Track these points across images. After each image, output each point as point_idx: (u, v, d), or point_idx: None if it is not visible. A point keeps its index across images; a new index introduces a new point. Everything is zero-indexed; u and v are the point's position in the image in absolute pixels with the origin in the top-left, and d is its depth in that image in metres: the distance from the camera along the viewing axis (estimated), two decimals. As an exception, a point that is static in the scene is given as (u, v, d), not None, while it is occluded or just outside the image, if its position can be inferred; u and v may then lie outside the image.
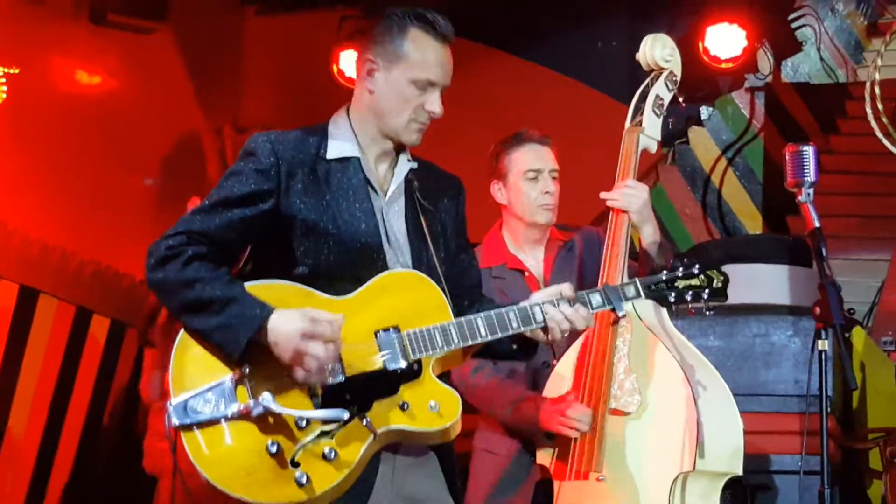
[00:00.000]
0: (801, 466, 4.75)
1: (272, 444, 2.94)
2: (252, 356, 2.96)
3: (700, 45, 6.42)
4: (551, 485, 3.94)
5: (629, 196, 3.98)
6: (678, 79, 4.11)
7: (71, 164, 6.20)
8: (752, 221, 6.78)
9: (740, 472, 3.86)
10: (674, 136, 6.59)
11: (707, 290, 3.43)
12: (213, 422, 2.95)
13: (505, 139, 4.30)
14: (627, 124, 4.08)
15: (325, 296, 3.08)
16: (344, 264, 3.12)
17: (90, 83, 6.60)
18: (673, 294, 3.41)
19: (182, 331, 3.03)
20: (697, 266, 3.43)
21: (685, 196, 6.85)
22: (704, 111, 6.78)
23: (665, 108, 4.06)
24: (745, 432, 3.86)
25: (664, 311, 3.96)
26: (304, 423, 2.96)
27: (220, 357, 2.98)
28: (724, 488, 3.86)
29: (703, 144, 6.85)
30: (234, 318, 2.94)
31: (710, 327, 5.19)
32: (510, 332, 3.17)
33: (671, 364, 3.83)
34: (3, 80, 5.64)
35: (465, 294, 3.33)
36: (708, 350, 4.04)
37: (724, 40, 6.45)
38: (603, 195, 4.02)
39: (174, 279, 3.00)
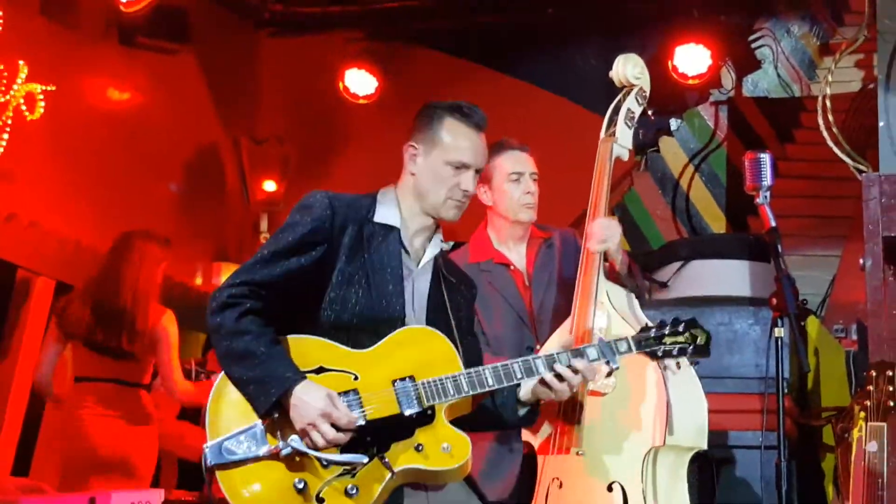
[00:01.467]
0: (762, 442, 4.74)
1: (299, 481, 2.98)
2: (281, 405, 3.01)
3: (669, 63, 6.44)
4: (535, 459, 3.95)
5: (607, 239, 3.97)
6: (647, 94, 4.14)
7: (103, 170, 6.19)
8: (716, 222, 6.78)
9: (705, 447, 3.87)
10: (646, 145, 6.62)
11: (691, 347, 3.43)
12: (245, 461, 2.99)
13: (488, 146, 4.30)
14: (602, 135, 4.11)
15: (345, 348, 3.13)
16: (367, 318, 3.16)
17: (120, 99, 6.59)
18: (661, 349, 3.41)
19: (219, 379, 3.08)
20: (683, 324, 3.43)
21: (656, 199, 6.86)
22: (673, 123, 6.78)
23: (636, 120, 4.10)
24: (711, 411, 3.88)
25: (636, 301, 3.98)
26: (327, 463, 3.00)
27: (251, 405, 3.02)
28: (692, 461, 3.88)
29: (673, 153, 6.86)
30: (267, 376, 2.99)
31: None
32: (514, 382, 3.20)
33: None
34: (42, 96, 5.61)
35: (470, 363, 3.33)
36: (676, 337, 4.02)
37: (691, 59, 6.48)
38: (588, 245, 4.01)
39: (228, 327, 3.05)
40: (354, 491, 3.00)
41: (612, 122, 4.10)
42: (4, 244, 5.68)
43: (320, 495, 2.98)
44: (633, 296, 4.02)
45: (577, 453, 3.79)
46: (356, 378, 3.09)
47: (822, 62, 6.65)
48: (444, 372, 3.14)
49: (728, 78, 6.77)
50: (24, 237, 5.79)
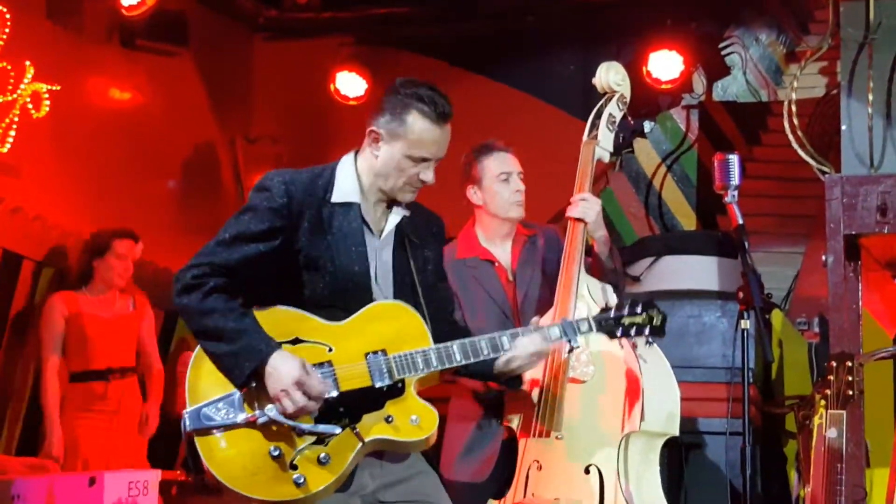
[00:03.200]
0: (728, 428, 4.78)
1: (274, 449, 3.00)
2: (257, 375, 3.01)
3: (643, 68, 6.47)
4: (516, 443, 3.99)
5: (586, 208, 4.03)
6: (628, 100, 4.18)
7: (104, 168, 6.19)
8: (687, 220, 6.82)
9: (677, 433, 3.92)
10: (621, 146, 6.64)
11: (648, 328, 3.46)
12: (222, 427, 3.00)
13: (475, 148, 4.32)
14: (585, 138, 4.14)
15: (320, 320, 3.13)
16: (336, 295, 3.15)
17: (121, 99, 6.59)
18: (620, 329, 3.45)
19: (198, 348, 3.07)
20: (640, 305, 3.46)
21: (631, 198, 6.90)
22: (647, 125, 6.75)
23: (617, 124, 4.13)
24: (680, 399, 3.92)
25: (613, 294, 4.01)
26: (301, 432, 3.01)
27: (227, 378, 3.03)
28: (663, 446, 3.92)
29: (646, 153, 6.90)
30: (241, 350, 2.99)
31: (651, 309, 5.23)
32: (482, 358, 3.23)
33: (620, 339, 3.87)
34: (47, 95, 5.61)
35: (443, 320, 3.36)
36: (649, 329, 4.06)
37: (664, 65, 6.51)
38: (569, 212, 4.05)
39: (195, 307, 3.04)
40: (326, 459, 3.01)
41: (595, 125, 4.13)
42: (11, 236, 5.68)
43: (294, 462, 3.00)
44: (609, 289, 4.05)
45: (557, 437, 3.82)
46: (330, 350, 3.10)
47: (787, 69, 6.69)
48: (414, 346, 3.15)
49: (699, 83, 6.81)
50: (28, 230, 5.79)
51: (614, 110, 4.13)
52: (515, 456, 3.96)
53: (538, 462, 3.86)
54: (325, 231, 3.15)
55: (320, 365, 3.07)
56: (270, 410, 2.99)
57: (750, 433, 3.70)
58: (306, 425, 3.01)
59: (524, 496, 3.87)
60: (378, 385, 3.10)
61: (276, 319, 3.09)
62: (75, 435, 5.49)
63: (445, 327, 3.31)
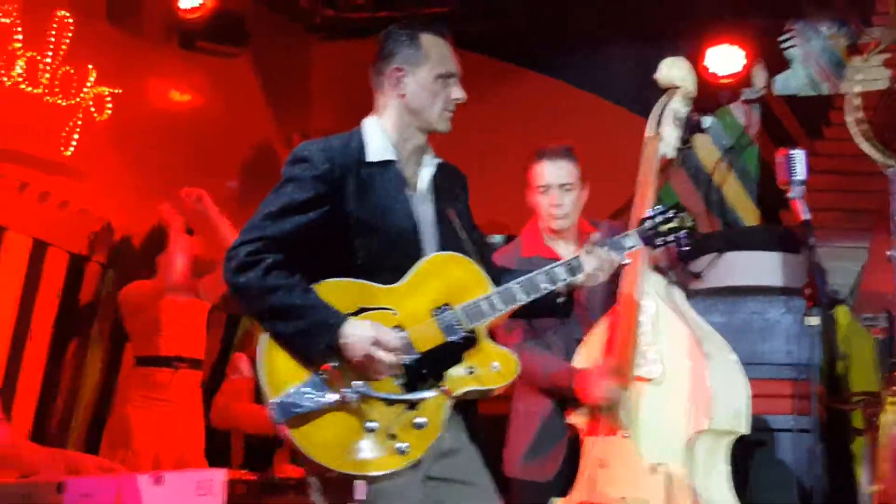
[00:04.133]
0: (794, 425, 4.75)
1: (370, 422, 2.97)
2: (331, 350, 2.98)
3: (701, 63, 6.43)
4: (580, 441, 3.97)
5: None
6: (692, 96, 4.11)
7: (165, 168, 6.24)
8: (748, 215, 6.75)
9: (746, 431, 3.87)
10: (682, 142, 6.59)
11: (683, 231, 3.43)
12: (313, 413, 2.95)
13: (533, 151, 4.29)
14: (649, 134, 4.08)
15: (377, 286, 3.08)
16: (387, 255, 3.11)
17: (181, 100, 6.65)
18: (660, 238, 3.42)
19: (264, 336, 3.01)
20: (671, 210, 3.43)
21: (690, 193, 6.84)
22: (705, 120, 6.72)
23: (681, 120, 4.06)
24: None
25: (681, 292, 3.98)
26: (393, 401, 2.99)
27: (301, 357, 2.99)
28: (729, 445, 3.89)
29: (706, 149, 6.84)
30: (311, 326, 2.95)
31: (714, 306, 5.20)
32: (541, 293, 3.20)
33: (686, 336, 3.84)
34: (109, 98, 5.68)
35: (488, 264, 3.33)
36: (712, 325, 4.04)
37: (723, 59, 6.47)
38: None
39: (256, 285, 2.97)
40: (423, 423, 3.00)
41: (658, 122, 4.07)
42: (76, 239, 5.75)
43: (392, 432, 2.98)
44: (674, 286, 4.02)
45: (623, 435, 3.80)
46: (396, 314, 3.07)
47: (849, 61, 6.60)
48: (475, 294, 3.12)
49: (759, 77, 6.74)
50: (93, 232, 5.86)
51: (678, 106, 4.07)
52: (580, 454, 3.94)
53: (604, 460, 3.84)
54: (369, 192, 3.11)
55: (391, 330, 3.04)
56: (361, 386, 2.96)
57: (817, 430, 3.65)
58: (398, 394, 3.00)
59: (589, 495, 3.85)
60: (451, 339, 3.08)
61: (335, 293, 3.04)
62: (129, 422, 5.50)
63: (493, 271, 3.28)
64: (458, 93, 3.21)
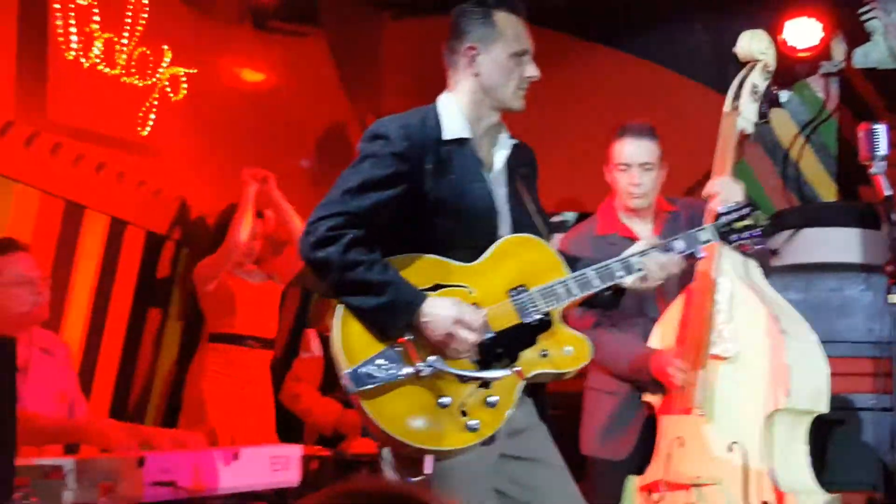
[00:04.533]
0: (875, 404, 4.68)
1: (443, 398, 2.98)
2: (410, 327, 2.98)
3: (779, 36, 6.32)
4: (656, 420, 3.94)
5: (727, 196, 3.93)
6: (772, 69, 4.05)
7: (239, 148, 6.27)
8: (827, 191, 6.62)
9: (825, 410, 3.82)
10: (759, 116, 6.49)
11: (759, 228, 3.40)
12: (387, 385, 2.96)
13: (615, 128, 4.26)
14: (726, 108, 4.02)
15: (457, 263, 3.09)
16: (464, 235, 3.11)
17: (254, 80, 6.68)
18: (735, 234, 3.38)
19: (339, 307, 3.02)
20: (745, 207, 3.40)
21: (767, 169, 6.73)
22: (783, 94, 6.63)
23: (760, 94, 4.01)
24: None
25: (757, 268, 3.92)
26: (467, 378, 3.00)
27: (379, 332, 2.99)
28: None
29: (783, 124, 6.71)
30: (391, 302, 2.96)
31: (790, 283, 5.14)
32: (615, 281, 3.18)
33: (764, 314, 3.80)
34: (184, 78, 5.72)
35: (556, 248, 3.32)
36: (789, 303, 3.99)
37: (802, 32, 6.35)
38: (704, 194, 3.96)
39: (336, 260, 2.97)
40: (495, 401, 3.01)
41: (737, 96, 4.01)
42: (152, 218, 5.82)
43: (464, 409, 2.99)
44: (750, 262, 3.97)
45: (699, 414, 3.77)
46: (472, 292, 3.07)
47: (932, 32, 6.45)
48: (551, 277, 3.12)
49: (838, 50, 6.60)
50: (169, 211, 5.93)
51: (758, 80, 4.01)
52: (656, 433, 3.92)
53: (680, 439, 3.81)
54: (447, 171, 3.11)
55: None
56: (435, 361, 2.97)
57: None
58: (472, 372, 3.00)
59: (665, 473, 3.83)
60: (527, 321, 3.08)
61: (412, 267, 3.05)
62: (203, 399, 5.58)
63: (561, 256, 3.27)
64: (531, 70, 3.20)
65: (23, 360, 4.09)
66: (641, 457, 4.01)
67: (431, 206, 3.08)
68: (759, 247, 3.46)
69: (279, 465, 4.19)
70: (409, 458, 2.99)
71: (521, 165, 3.30)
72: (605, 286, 3.17)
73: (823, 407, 3.81)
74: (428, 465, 2.97)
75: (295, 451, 4.30)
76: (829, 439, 4.85)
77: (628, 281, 3.21)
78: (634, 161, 4.17)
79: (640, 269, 3.20)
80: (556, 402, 3.32)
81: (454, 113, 3.17)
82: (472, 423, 2.98)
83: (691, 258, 3.33)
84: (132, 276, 5.72)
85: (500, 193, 3.21)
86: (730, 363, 3.79)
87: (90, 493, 3.32)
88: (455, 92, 3.21)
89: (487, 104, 3.19)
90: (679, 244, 3.28)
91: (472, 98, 3.18)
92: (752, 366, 3.77)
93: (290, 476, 4.24)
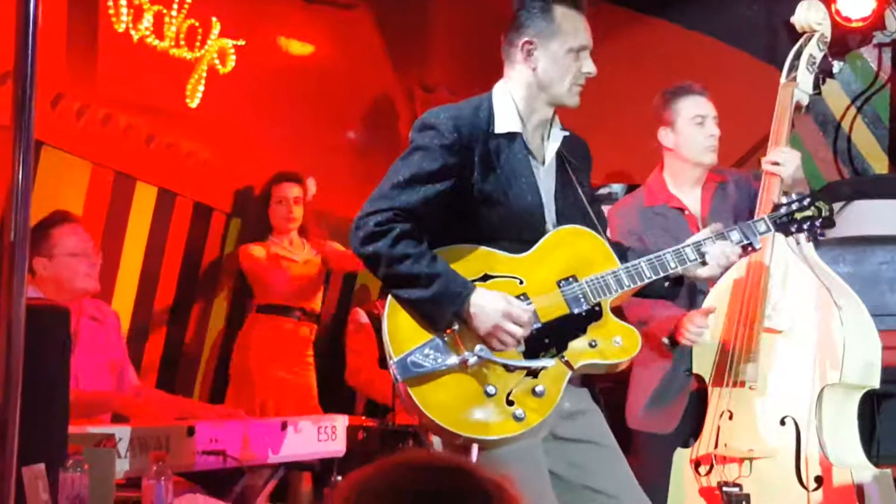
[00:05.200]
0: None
1: (489, 387, 2.98)
2: (458, 318, 2.99)
3: (832, 6, 6.22)
4: (705, 393, 3.90)
5: (784, 161, 3.89)
6: (828, 40, 4.01)
7: (287, 120, 6.28)
8: (879, 163, 6.53)
9: (877, 385, 3.78)
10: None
11: (819, 220, 3.39)
12: (434, 373, 2.97)
13: (669, 90, 4.21)
14: (783, 80, 3.99)
15: (505, 254, 3.08)
16: (511, 228, 3.11)
17: (302, 52, 6.67)
18: (794, 225, 3.37)
19: (390, 298, 3.04)
20: (808, 199, 3.39)
21: (818, 141, 6.64)
22: (836, 65, 6.51)
23: (817, 65, 3.97)
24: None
25: (809, 243, 3.87)
26: (513, 368, 2.99)
27: (427, 323, 3.00)
28: (856, 397, 3.80)
29: (835, 95, 6.61)
30: (439, 294, 2.96)
31: (841, 256, 5.06)
32: (669, 272, 3.16)
33: (817, 288, 3.76)
34: (233, 50, 5.72)
35: (608, 240, 3.29)
36: (839, 276, 3.94)
37: (856, 2, 6.23)
38: (763, 162, 3.93)
39: (385, 254, 2.97)
40: (542, 391, 3.00)
41: (794, 67, 3.98)
42: (201, 189, 5.84)
43: (510, 398, 2.99)
44: (802, 236, 3.91)
45: (751, 387, 3.74)
46: (521, 283, 3.07)
47: None
48: (602, 268, 3.11)
49: (892, 20, 6.48)
50: (216, 182, 5.95)
51: (814, 50, 3.98)
52: (704, 407, 3.88)
53: (730, 412, 3.78)
54: (495, 165, 3.09)
55: (516, 298, 3.05)
56: (481, 351, 2.97)
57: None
58: (519, 361, 3.00)
59: (715, 447, 3.80)
60: (576, 312, 3.07)
61: (460, 258, 3.05)
62: (250, 371, 5.62)
63: (613, 247, 3.25)
64: (588, 66, 3.17)
65: (72, 329, 4.13)
66: (689, 430, 3.97)
67: (478, 199, 3.08)
68: (821, 237, 3.45)
69: (325, 435, 4.22)
70: (455, 446, 3.00)
71: (574, 157, 3.28)
72: (657, 277, 3.15)
73: (875, 381, 3.76)
74: (473, 453, 2.98)
75: (341, 422, 4.32)
76: (878, 413, 4.80)
77: (680, 271, 3.18)
78: (709, 112, 4.14)
79: (694, 260, 3.18)
80: (602, 375, 3.30)
81: (507, 106, 3.16)
82: (519, 412, 2.98)
83: (749, 248, 3.28)
84: (180, 246, 5.76)
85: (549, 187, 3.19)
86: (783, 337, 3.75)
87: (141, 460, 3.36)
88: (510, 84, 3.18)
89: (542, 99, 3.17)
90: (735, 234, 3.25)
91: (527, 92, 3.16)
92: (804, 340, 3.73)
93: (337, 446, 4.26)
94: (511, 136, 3.14)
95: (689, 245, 3.19)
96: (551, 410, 3.01)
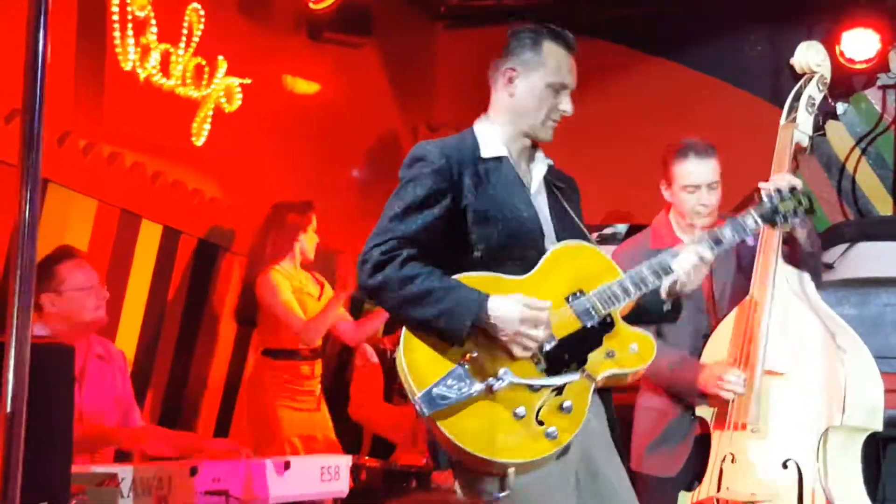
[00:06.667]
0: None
1: (518, 409, 2.98)
2: (472, 340, 2.98)
3: (836, 48, 6.27)
4: (709, 437, 3.92)
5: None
6: (828, 81, 4.05)
7: (292, 157, 6.32)
8: (883, 204, 6.57)
9: (879, 428, 3.79)
10: (814, 129, 6.44)
11: (802, 209, 3.48)
12: (460, 403, 2.95)
13: (674, 147, 4.20)
14: (783, 121, 4.02)
15: (508, 277, 3.09)
16: (510, 246, 3.13)
17: (308, 90, 6.72)
18: (780, 217, 3.44)
19: (404, 331, 3.03)
20: (784, 191, 3.46)
21: (822, 182, 6.68)
22: (840, 107, 6.58)
23: (816, 106, 4.01)
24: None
25: (811, 283, 3.90)
26: (538, 387, 3.01)
27: (445, 342, 2.98)
28: (860, 441, 3.81)
29: (839, 136, 6.66)
30: (455, 304, 2.95)
31: (845, 297, 5.07)
32: (671, 274, 3.19)
33: (818, 330, 3.78)
34: (239, 88, 5.76)
35: None
36: (843, 318, 3.95)
37: (859, 44, 6.29)
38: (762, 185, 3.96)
39: (395, 278, 2.98)
40: (570, 407, 3.02)
41: (793, 108, 4.02)
42: (207, 227, 5.88)
43: (539, 418, 3.00)
44: (805, 277, 3.94)
45: (753, 430, 3.75)
46: None
47: None
48: (607, 279, 3.15)
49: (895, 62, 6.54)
50: (222, 220, 5.98)
51: (814, 92, 4.02)
52: (708, 450, 3.90)
53: (733, 455, 3.79)
54: (486, 185, 3.14)
55: None
56: (506, 374, 2.98)
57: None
58: (543, 380, 3.02)
59: (718, 490, 3.81)
60: (588, 325, 3.10)
61: (466, 283, 3.04)
62: (271, 417, 5.48)
63: None
64: (566, 105, 3.21)
65: (79, 367, 4.16)
66: (692, 474, 3.98)
67: (473, 220, 3.11)
68: (804, 228, 3.58)
69: (329, 475, 4.23)
70: (491, 475, 3.00)
71: (563, 186, 3.34)
72: (660, 282, 3.19)
73: (878, 424, 3.77)
74: (510, 479, 2.98)
75: (344, 462, 4.33)
76: (882, 456, 4.80)
77: (681, 273, 3.20)
78: (703, 182, 4.15)
79: (693, 260, 3.21)
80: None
81: (490, 133, 3.22)
82: (551, 430, 2.99)
83: (742, 244, 3.32)
84: (185, 284, 5.78)
85: (542, 206, 3.24)
86: (784, 379, 3.76)
87: (144, 500, 3.37)
88: (491, 113, 3.26)
89: (518, 127, 3.22)
90: (727, 232, 3.32)
91: (505, 119, 3.22)
92: (806, 382, 3.75)
93: (340, 486, 4.27)
94: (498, 160, 3.19)
95: (683, 249, 3.25)
96: (581, 425, 3.03)
